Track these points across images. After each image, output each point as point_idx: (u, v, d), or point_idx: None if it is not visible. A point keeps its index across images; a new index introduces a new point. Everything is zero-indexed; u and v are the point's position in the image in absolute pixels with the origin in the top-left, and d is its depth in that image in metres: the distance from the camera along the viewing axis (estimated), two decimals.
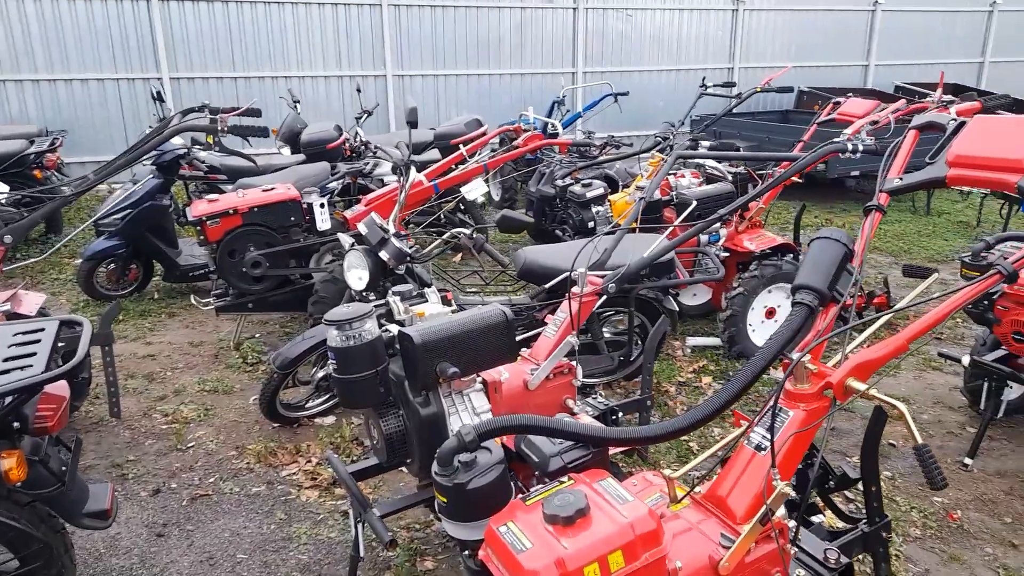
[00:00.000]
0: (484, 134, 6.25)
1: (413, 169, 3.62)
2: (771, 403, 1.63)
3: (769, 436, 1.61)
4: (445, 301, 2.55)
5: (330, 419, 4.01)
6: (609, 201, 5.75)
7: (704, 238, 4.55)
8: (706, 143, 5.48)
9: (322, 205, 4.74)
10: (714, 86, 6.40)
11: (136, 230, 5.45)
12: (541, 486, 1.71)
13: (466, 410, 2.37)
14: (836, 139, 2.75)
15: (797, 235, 5.01)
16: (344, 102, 10.15)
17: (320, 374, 3.89)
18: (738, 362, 4.58)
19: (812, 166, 2.66)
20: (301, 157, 6.44)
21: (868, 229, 1.90)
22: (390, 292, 2.59)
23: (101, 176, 3.96)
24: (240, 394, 4.34)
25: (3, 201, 5.67)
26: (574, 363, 2.61)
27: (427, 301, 2.54)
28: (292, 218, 4.71)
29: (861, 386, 1.62)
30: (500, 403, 2.47)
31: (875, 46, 13.40)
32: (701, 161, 4.91)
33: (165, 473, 3.55)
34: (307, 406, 3.99)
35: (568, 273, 2.69)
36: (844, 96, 5.09)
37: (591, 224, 5.89)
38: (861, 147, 2.59)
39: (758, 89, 5.86)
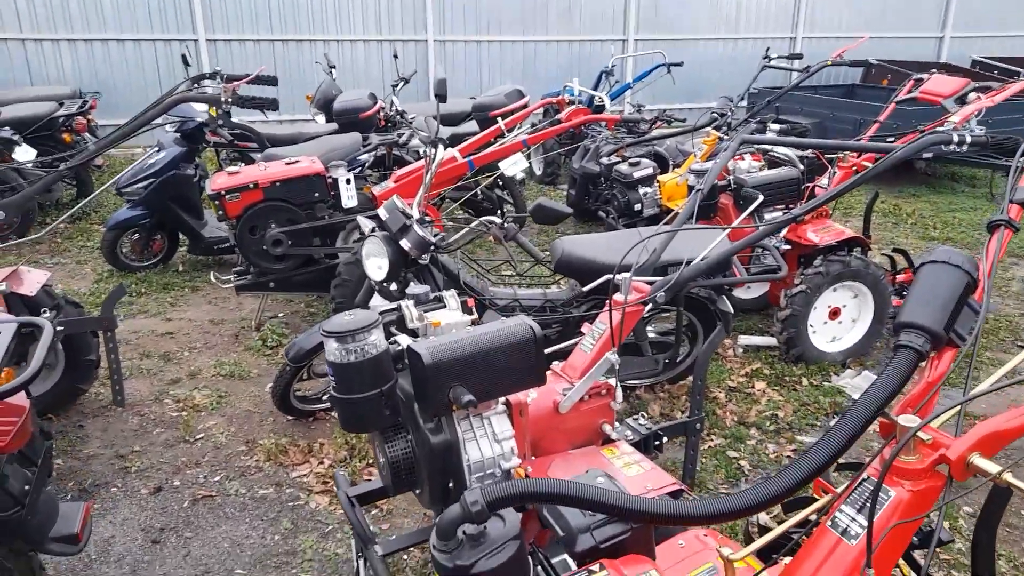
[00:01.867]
0: (525, 106, 5.85)
1: (441, 147, 3.27)
2: (868, 480, 1.26)
3: (864, 522, 1.24)
4: (466, 308, 2.21)
5: None
6: (658, 182, 5.32)
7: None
8: (775, 126, 4.97)
9: (348, 181, 4.42)
10: (779, 58, 5.84)
11: (159, 200, 5.22)
12: (566, 562, 1.37)
13: (485, 436, 2.03)
14: (940, 128, 2.31)
15: (867, 227, 4.50)
16: (383, 68, 9.79)
17: None
18: (795, 366, 4.16)
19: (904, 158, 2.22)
20: (335, 126, 6.12)
21: (995, 251, 1.50)
22: (407, 292, 2.25)
23: (100, 147, 3.73)
24: (256, 380, 4.10)
25: (28, 165, 5.51)
26: (613, 383, 2.25)
27: (445, 307, 2.20)
28: (316, 194, 4.42)
29: (992, 467, 1.22)
30: (525, 428, 2.14)
31: (951, 16, 12.44)
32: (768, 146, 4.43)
33: (170, 468, 3.32)
34: (323, 399, 3.73)
35: (610, 276, 2.33)
36: (927, 72, 4.54)
37: (637, 206, 5.48)
38: (969, 138, 2.14)
39: (829, 62, 5.30)
